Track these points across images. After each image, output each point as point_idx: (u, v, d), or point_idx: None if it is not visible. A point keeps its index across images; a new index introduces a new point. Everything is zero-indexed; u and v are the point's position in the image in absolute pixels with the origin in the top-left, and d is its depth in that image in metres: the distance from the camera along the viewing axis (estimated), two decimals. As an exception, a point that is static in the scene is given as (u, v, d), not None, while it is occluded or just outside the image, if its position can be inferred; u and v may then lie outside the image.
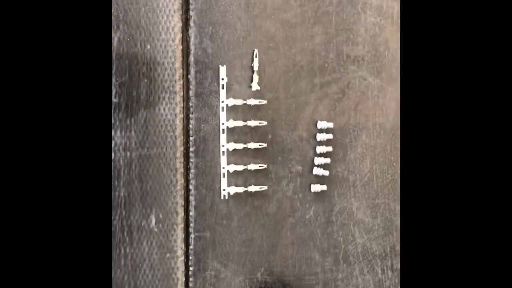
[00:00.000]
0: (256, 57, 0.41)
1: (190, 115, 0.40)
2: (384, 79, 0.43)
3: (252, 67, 0.41)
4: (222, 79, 0.40)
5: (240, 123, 0.40)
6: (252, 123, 0.41)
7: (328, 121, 0.42)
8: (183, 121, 0.40)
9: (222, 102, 0.40)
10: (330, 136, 0.42)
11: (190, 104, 0.40)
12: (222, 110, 0.40)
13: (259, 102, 0.41)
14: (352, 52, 0.43)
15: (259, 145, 0.41)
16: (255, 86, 0.41)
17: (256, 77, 0.41)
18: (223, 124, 0.40)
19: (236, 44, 0.40)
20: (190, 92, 0.40)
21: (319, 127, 0.42)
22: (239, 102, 0.40)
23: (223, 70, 0.40)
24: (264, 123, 0.41)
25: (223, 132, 0.40)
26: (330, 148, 0.42)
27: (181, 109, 0.40)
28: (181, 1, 0.39)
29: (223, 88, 0.40)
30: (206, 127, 0.40)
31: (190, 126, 0.40)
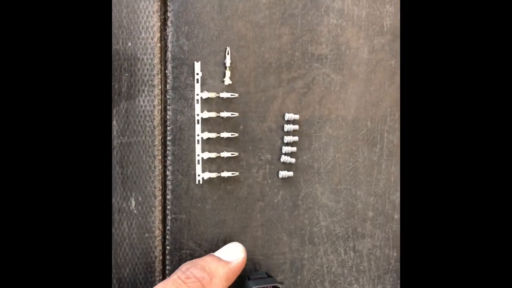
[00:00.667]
0: (228, 54, 0.45)
1: (168, 107, 0.44)
2: (345, 75, 0.47)
3: (224, 64, 0.45)
4: (197, 74, 0.44)
5: (213, 114, 0.44)
6: (225, 114, 0.44)
7: (294, 114, 0.46)
8: (161, 112, 0.44)
9: (197, 95, 0.44)
10: (296, 127, 0.46)
11: (168, 97, 0.44)
12: (197, 102, 0.44)
13: (231, 95, 0.45)
14: (316, 51, 0.47)
15: (231, 134, 0.45)
16: (227, 81, 0.45)
17: (228, 73, 0.45)
18: (198, 115, 0.44)
19: (209, 42, 0.44)
20: (168, 86, 0.44)
21: (286, 118, 0.46)
22: (213, 95, 0.44)
23: (197, 65, 0.44)
24: (236, 114, 0.45)
25: (198, 123, 0.44)
26: (296, 138, 0.46)
27: (159, 101, 0.44)
28: (159, 3, 0.43)
29: (198, 82, 0.44)
30: (182, 117, 0.44)
31: (168, 116, 0.44)
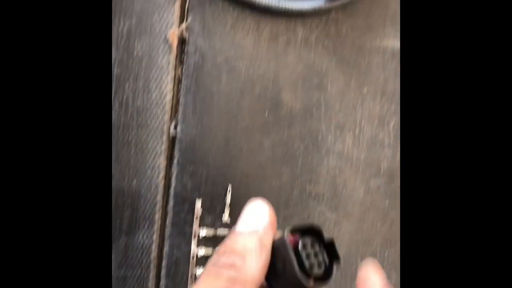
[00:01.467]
0: (229, 192, 0.46)
1: (165, 242, 0.45)
2: (340, 214, 0.49)
3: (225, 201, 0.46)
4: (197, 210, 0.46)
5: (210, 251, 0.46)
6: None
7: (288, 249, 0.48)
8: (158, 247, 0.45)
9: (194, 230, 0.46)
10: (288, 262, 0.48)
11: (166, 232, 0.45)
12: (194, 237, 0.46)
13: (228, 231, 0.46)
14: (313, 190, 0.49)
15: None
16: (226, 218, 0.46)
17: (227, 210, 0.46)
18: (193, 251, 0.46)
19: (212, 180, 0.46)
20: (167, 221, 0.45)
21: (279, 254, 0.48)
22: (211, 232, 0.46)
23: (198, 203, 0.45)
24: None
25: (193, 258, 0.46)
26: (287, 273, 0.48)
27: (158, 236, 0.45)
28: (167, 144, 0.45)
29: (197, 218, 0.46)
30: (178, 253, 0.46)
31: (164, 251, 0.46)
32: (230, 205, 0.47)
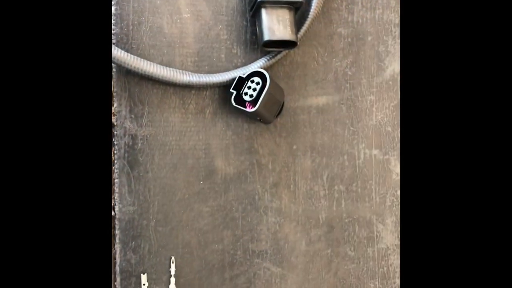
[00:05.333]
0: (173, 263, 0.48)
1: (117, 316, 0.47)
2: (285, 267, 0.51)
3: (169, 271, 0.48)
4: (144, 284, 0.47)
5: None
6: None
7: (237, 308, 0.50)
8: (110, 322, 0.47)
9: None
10: (239, 321, 0.50)
11: (117, 307, 0.47)
12: None
13: None
14: (256, 248, 0.51)
15: None
16: (172, 287, 0.48)
17: (173, 280, 0.48)
18: None
19: (155, 253, 0.48)
20: (116, 297, 0.47)
21: (230, 314, 0.50)
22: None
23: (144, 277, 0.47)
24: None
25: None
26: (239, 331, 0.50)
27: (109, 312, 0.47)
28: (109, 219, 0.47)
29: (144, 292, 0.48)
30: (131, 326, 0.48)
31: (117, 325, 0.47)
32: (175, 274, 0.49)
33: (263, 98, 0.44)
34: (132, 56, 0.44)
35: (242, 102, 0.46)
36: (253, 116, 0.47)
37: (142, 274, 0.48)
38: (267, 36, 0.45)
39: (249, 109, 0.45)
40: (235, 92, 0.46)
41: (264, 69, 0.47)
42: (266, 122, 0.49)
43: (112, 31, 0.46)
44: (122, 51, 0.44)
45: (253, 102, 0.45)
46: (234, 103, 0.46)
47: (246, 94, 0.46)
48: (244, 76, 0.46)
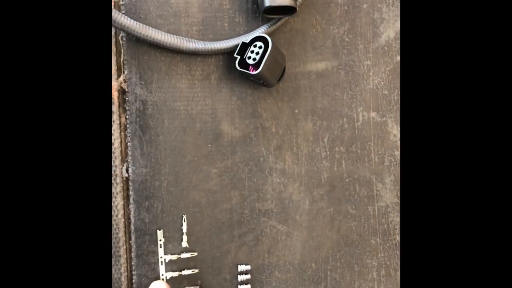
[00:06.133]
0: (184, 221, 0.51)
1: (133, 272, 0.50)
2: (290, 225, 0.54)
3: (182, 229, 0.51)
4: (160, 240, 0.50)
5: (176, 274, 0.50)
6: (186, 272, 0.51)
7: (246, 264, 0.53)
8: (127, 278, 0.50)
9: (161, 257, 0.50)
10: (248, 276, 0.53)
11: (132, 263, 0.50)
12: (161, 264, 0.51)
13: (191, 254, 0.51)
14: (263, 207, 0.54)
15: (192, 271, 0.51)
16: (184, 244, 0.51)
17: (185, 237, 0.51)
18: (162, 275, 0.50)
19: (168, 212, 0.51)
20: (132, 254, 0.50)
21: (239, 269, 0.53)
22: (175, 257, 0.50)
23: (160, 233, 0.50)
24: (196, 270, 0.51)
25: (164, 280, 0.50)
26: (249, 286, 0.53)
27: (125, 269, 0.50)
28: (122, 185, 0.50)
29: (161, 247, 0.51)
30: (146, 280, 0.50)
31: (133, 280, 0.50)
32: (187, 232, 0.51)
33: (265, 61, 0.47)
34: (141, 24, 0.47)
35: (246, 66, 0.49)
36: (256, 80, 0.50)
37: (158, 231, 0.50)
38: (268, 2, 0.48)
39: (252, 72, 0.48)
40: (239, 57, 0.49)
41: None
42: (269, 85, 0.51)
43: (121, 2, 0.49)
44: (132, 20, 0.46)
45: (256, 65, 0.48)
46: (238, 67, 0.48)
47: (249, 58, 0.48)
48: (247, 42, 0.49)
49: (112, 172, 0.49)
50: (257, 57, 0.48)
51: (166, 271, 0.50)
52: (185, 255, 0.50)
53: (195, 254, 0.51)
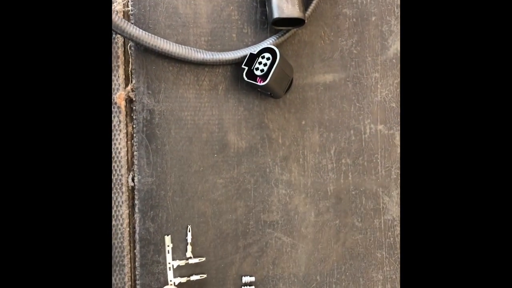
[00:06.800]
0: (189, 231, 0.51)
1: (137, 281, 0.50)
2: (295, 237, 0.54)
3: (186, 239, 0.51)
4: (168, 246, 0.50)
5: (184, 280, 0.50)
6: (194, 277, 0.50)
7: (250, 276, 0.53)
8: (131, 287, 0.50)
9: (169, 263, 0.50)
10: (252, 287, 0.52)
11: (136, 273, 0.50)
12: (169, 269, 0.50)
13: (199, 260, 0.51)
14: (268, 218, 0.53)
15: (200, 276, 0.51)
16: (189, 254, 0.51)
17: (189, 247, 0.51)
18: (170, 281, 0.50)
19: (173, 222, 0.51)
20: (136, 263, 0.50)
21: (243, 281, 0.52)
22: (183, 262, 0.50)
23: (168, 239, 0.50)
24: (204, 276, 0.51)
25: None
26: (253, 298, 0.53)
27: (129, 278, 0.50)
28: (127, 194, 0.50)
29: (169, 252, 0.50)
30: (150, 290, 0.50)
31: (137, 290, 0.50)
32: (192, 242, 0.51)
33: (273, 72, 0.47)
34: (149, 34, 0.47)
35: (254, 77, 0.49)
36: (264, 91, 0.50)
37: (166, 236, 0.50)
38: (276, 14, 0.48)
39: (260, 83, 0.48)
40: (246, 68, 0.49)
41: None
42: (276, 96, 0.51)
43: (131, 12, 0.49)
44: (140, 30, 0.47)
45: (264, 77, 0.48)
46: (246, 78, 0.48)
47: (257, 69, 0.48)
48: (255, 53, 0.49)
49: (118, 181, 0.49)
50: (265, 68, 0.48)
51: (174, 277, 0.50)
52: (193, 261, 0.50)
53: (203, 259, 0.51)
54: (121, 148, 0.49)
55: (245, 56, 0.50)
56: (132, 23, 0.48)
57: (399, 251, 0.57)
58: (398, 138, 0.56)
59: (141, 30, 0.46)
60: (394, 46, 0.56)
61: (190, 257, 0.51)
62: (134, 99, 0.49)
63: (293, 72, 0.51)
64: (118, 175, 0.49)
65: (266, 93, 0.50)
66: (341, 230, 0.55)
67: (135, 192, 0.50)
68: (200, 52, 0.49)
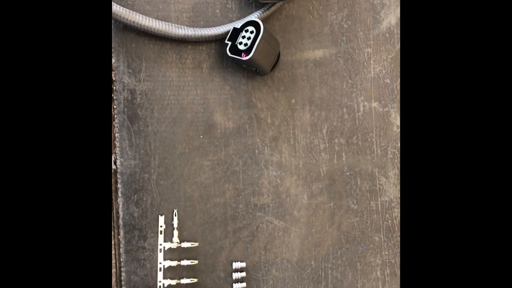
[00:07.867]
0: (175, 216, 0.49)
1: (122, 268, 0.48)
2: (287, 220, 0.52)
3: (172, 224, 0.49)
4: (161, 226, 0.48)
5: (174, 263, 0.48)
6: (185, 262, 0.48)
7: (241, 261, 0.50)
8: (116, 274, 0.48)
9: (160, 245, 0.48)
10: (244, 274, 0.50)
11: (121, 260, 0.48)
12: (160, 251, 0.48)
13: (191, 244, 0.49)
14: (258, 201, 0.51)
15: (190, 280, 0.49)
16: (175, 240, 0.49)
17: (176, 232, 0.49)
18: (160, 263, 0.48)
19: (158, 206, 0.49)
20: (121, 250, 0.48)
21: (234, 267, 0.50)
22: (175, 245, 0.48)
23: (161, 219, 0.48)
24: (196, 262, 0.49)
25: (160, 270, 0.48)
26: (244, 284, 0.50)
27: (114, 265, 0.48)
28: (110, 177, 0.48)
29: (161, 233, 0.48)
30: (135, 278, 0.48)
31: (122, 277, 0.48)
32: (178, 227, 0.49)
33: (257, 45, 0.45)
34: (128, 10, 0.45)
35: (238, 52, 0.46)
36: (249, 66, 0.48)
37: (160, 216, 0.48)
38: (259, -15, 0.45)
39: (244, 58, 0.46)
40: (230, 43, 0.47)
41: (259, 20, 0.47)
42: (262, 73, 0.49)
43: (108, -12, 0.47)
44: (119, 6, 0.45)
45: (248, 51, 0.46)
46: (229, 53, 0.46)
47: (241, 43, 0.46)
48: (238, 27, 0.47)
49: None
50: (249, 42, 0.46)
51: (165, 259, 0.48)
52: (185, 245, 0.48)
53: (196, 244, 0.49)
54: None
55: (228, 32, 0.47)
56: (109, -1, 0.46)
57: (398, 234, 0.54)
58: (393, 115, 0.54)
59: (119, 6, 0.45)
60: (387, 19, 0.54)
61: (177, 243, 0.49)
62: (114, 79, 0.48)
63: (279, 46, 0.49)
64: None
65: (252, 70, 0.48)
66: (336, 213, 0.53)
67: (118, 176, 0.48)
68: (181, 28, 0.47)
